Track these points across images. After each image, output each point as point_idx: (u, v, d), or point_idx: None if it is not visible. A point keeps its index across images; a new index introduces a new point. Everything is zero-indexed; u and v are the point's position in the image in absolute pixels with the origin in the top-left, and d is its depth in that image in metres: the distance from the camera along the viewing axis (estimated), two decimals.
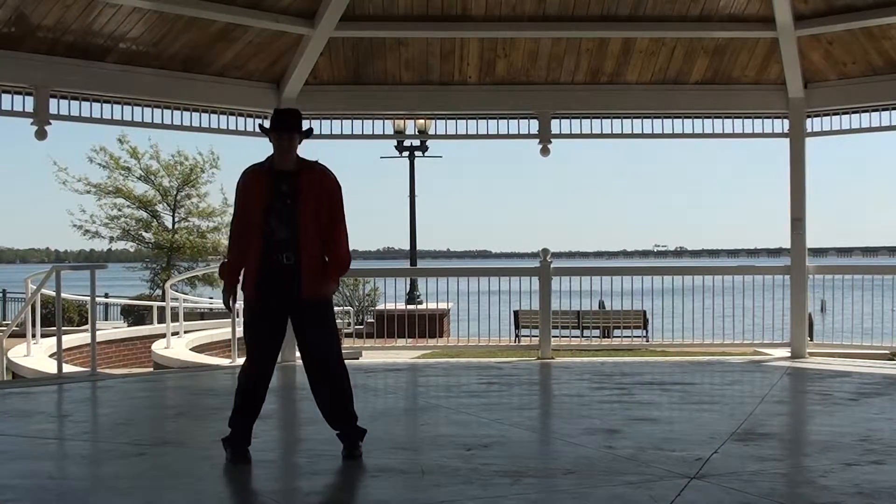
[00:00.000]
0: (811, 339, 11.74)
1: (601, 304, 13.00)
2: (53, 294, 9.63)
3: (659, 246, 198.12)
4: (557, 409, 7.65)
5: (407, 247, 25.13)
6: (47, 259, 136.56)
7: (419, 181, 25.08)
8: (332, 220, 5.23)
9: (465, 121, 10.58)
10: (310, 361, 5.27)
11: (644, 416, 6.75)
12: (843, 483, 4.66)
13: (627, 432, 6.01)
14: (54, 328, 9.35)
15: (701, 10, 9.72)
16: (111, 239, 27.71)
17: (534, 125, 10.46)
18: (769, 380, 8.74)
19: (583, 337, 14.33)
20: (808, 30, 9.66)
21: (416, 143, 23.37)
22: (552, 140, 10.44)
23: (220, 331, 14.49)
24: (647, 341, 15.72)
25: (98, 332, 10.01)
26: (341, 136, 10.51)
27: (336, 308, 5.86)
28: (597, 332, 13.66)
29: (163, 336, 13.30)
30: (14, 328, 12.99)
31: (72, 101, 9.07)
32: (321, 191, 5.21)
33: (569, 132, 10.55)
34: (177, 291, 16.14)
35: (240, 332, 11.04)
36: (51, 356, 11.41)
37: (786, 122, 10.43)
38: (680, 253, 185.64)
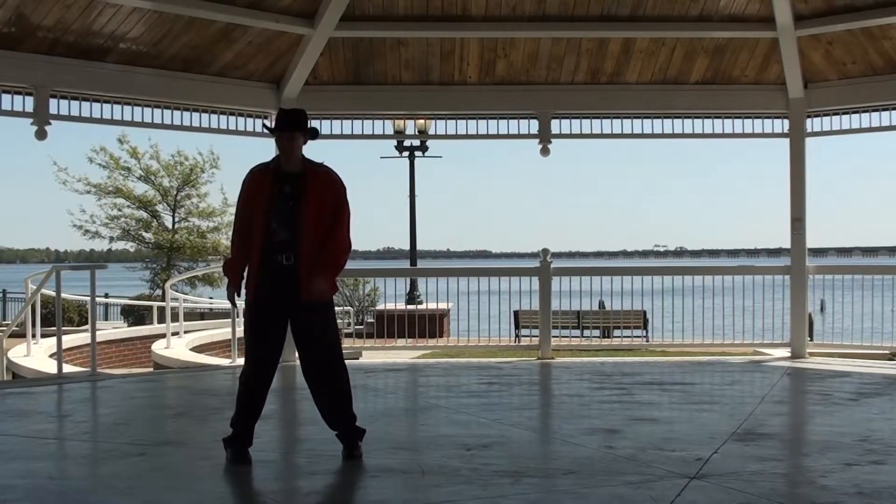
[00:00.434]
0: (811, 340, 11.74)
1: (601, 304, 12.99)
2: (53, 294, 9.63)
3: (659, 246, 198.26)
4: (557, 409, 7.65)
5: (407, 247, 25.13)
6: (47, 259, 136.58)
7: (419, 181, 25.11)
8: (334, 219, 5.20)
9: (465, 121, 10.58)
10: (309, 363, 5.26)
11: (644, 416, 6.75)
12: (843, 483, 4.66)
13: (627, 432, 6.01)
14: (54, 328, 9.35)
15: (701, 10, 9.72)
16: (111, 239, 27.73)
17: (534, 125, 10.46)
18: (769, 380, 8.74)
19: (583, 337, 14.33)
20: (808, 30, 9.67)
21: (416, 143, 23.35)
22: (552, 140, 10.45)
23: (220, 331, 14.50)
24: (647, 341, 15.72)
25: (98, 332, 10.01)
26: (341, 136, 10.51)
27: (336, 308, 5.84)
28: (597, 332, 13.66)
29: (163, 336, 13.30)
30: (14, 328, 12.99)
31: (72, 101, 9.07)
32: (324, 193, 5.18)
33: (569, 132, 10.56)
34: (177, 291, 16.14)
35: (240, 332, 11.08)
36: (51, 356, 11.42)
37: (786, 122, 10.43)
38: (680, 253, 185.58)
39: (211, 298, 23.02)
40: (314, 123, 10.12)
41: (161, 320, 15.04)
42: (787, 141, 10.40)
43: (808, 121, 10.39)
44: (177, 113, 9.74)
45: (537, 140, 10.45)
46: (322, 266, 5.14)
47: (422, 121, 15.42)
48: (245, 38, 9.47)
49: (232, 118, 10.11)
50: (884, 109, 10.06)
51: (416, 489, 4.68)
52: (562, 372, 9.42)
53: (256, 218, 5.17)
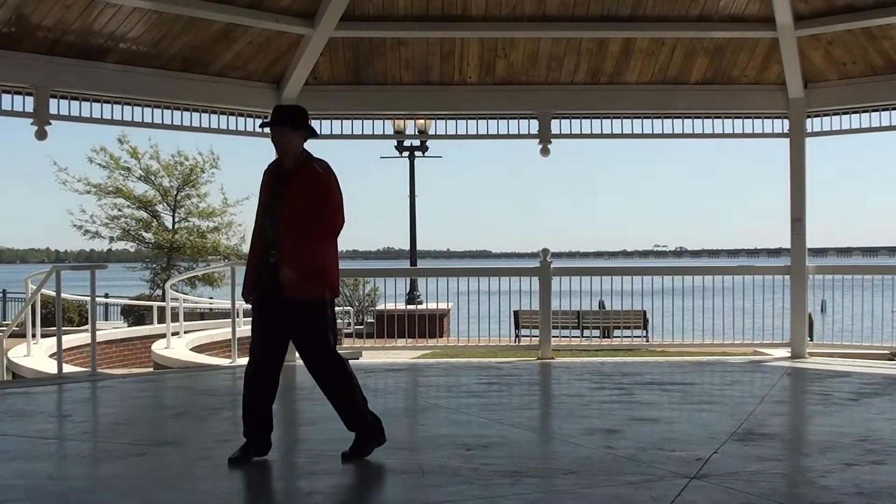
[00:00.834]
0: (811, 340, 11.74)
1: (601, 304, 13.00)
2: (53, 294, 9.63)
3: (659, 246, 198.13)
4: (557, 409, 7.65)
5: (407, 247, 25.12)
6: (47, 259, 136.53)
7: (419, 181, 25.10)
8: (317, 206, 5.09)
9: (465, 121, 10.58)
10: (307, 363, 5.26)
11: (644, 416, 6.75)
12: (843, 483, 4.66)
13: (627, 432, 6.01)
14: (54, 328, 9.35)
15: (701, 10, 9.72)
16: (111, 239, 27.74)
17: (534, 125, 10.46)
18: (769, 380, 8.74)
19: (583, 337, 14.34)
20: (808, 30, 9.67)
21: (416, 143, 23.35)
22: (552, 140, 10.45)
23: (220, 331, 14.50)
24: (647, 341, 15.73)
25: (98, 333, 10.01)
26: (341, 136, 10.52)
27: (336, 308, 5.81)
28: (597, 332, 13.66)
29: (163, 336, 13.29)
30: (14, 328, 12.98)
31: (72, 101, 9.07)
32: (306, 188, 5.12)
33: (569, 132, 10.56)
34: (177, 291, 16.14)
35: (240, 332, 11.11)
36: (51, 356, 11.42)
37: (786, 122, 10.44)
38: (680, 253, 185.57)
39: (211, 298, 23.04)
40: (314, 123, 10.12)
41: (161, 320, 15.04)
42: (787, 141, 10.40)
43: (808, 121, 10.39)
44: (177, 113, 9.74)
45: (537, 140, 10.45)
46: (294, 257, 5.03)
47: (422, 121, 15.42)
48: (245, 38, 9.47)
49: (232, 118, 10.11)
50: (884, 109, 10.06)
51: (416, 489, 4.67)
52: (562, 372, 9.42)
53: (257, 216, 5.23)
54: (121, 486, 4.81)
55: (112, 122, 9.47)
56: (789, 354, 10.37)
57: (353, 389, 5.23)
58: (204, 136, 40.91)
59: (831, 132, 10.42)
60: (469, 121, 10.56)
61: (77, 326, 19.55)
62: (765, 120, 10.56)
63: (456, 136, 10.78)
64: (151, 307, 19.11)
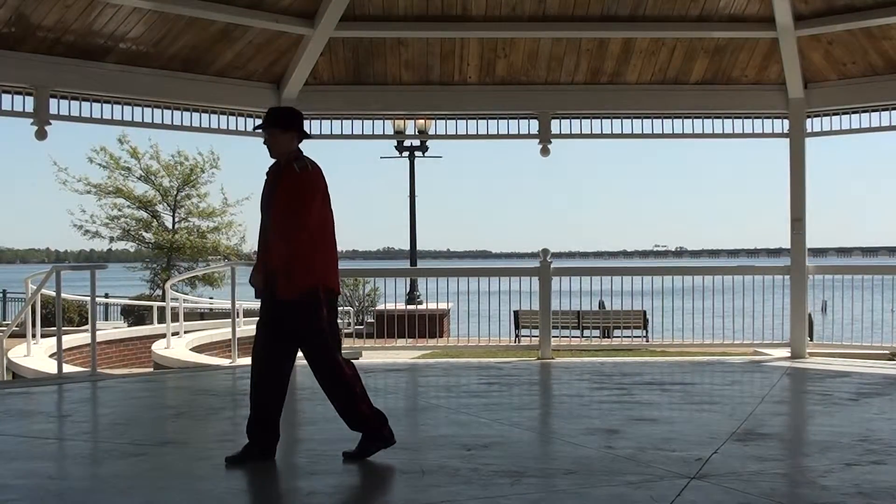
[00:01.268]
0: (811, 340, 11.74)
1: (601, 304, 12.99)
2: (53, 294, 9.63)
3: (659, 246, 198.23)
4: (557, 409, 7.65)
5: (407, 247, 25.12)
6: (47, 259, 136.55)
7: (419, 181, 25.11)
8: (290, 206, 5.04)
9: (465, 121, 10.59)
10: (309, 363, 5.26)
11: (644, 416, 6.75)
12: (843, 483, 4.66)
13: (627, 432, 6.01)
14: (54, 328, 9.35)
15: (701, 10, 9.72)
16: (111, 239, 27.74)
17: (534, 125, 10.47)
18: (769, 380, 8.74)
19: (583, 337, 14.33)
20: (808, 30, 9.67)
21: (416, 143, 23.35)
22: (552, 140, 10.45)
23: (220, 331, 14.49)
24: (647, 341, 15.73)
25: (98, 333, 10.01)
26: (341, 136, 10.52)
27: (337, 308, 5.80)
28: (597, 332, 13.66)
29: (163, 336, 13.29)
30: (14, 328, 12.98)
31: (72, 101, 9.08)
32: (287, 188, 5.09)
33: (569, 132, 10.56)
34: (177, 291, 16.13)
35: (240, 332, 11.11)
36: (51, 356, 11.41)
37: (786, 122, 10.44)
38: (680, 253, 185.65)
39: (211, 298, 23.04)
40: (314, 123, 10.16)
41: (161, 320, 15.04)
42: (787, 141, 10.40)
43: (808, 121, 10.40)
44: (177, 113, 9.74)
45: (537, 140, 10.46)
46: (278, 257, 5.03)
47: (422, 121, 15.43)
48: (245, 38, 9.47)
49: (232, 118, 10.12)
50: (884, 109, 10.07)
51: (416, 489, 4.67)
52: (562, 372, 9.42)
53: (261, 217, 5.23)
54: (121, 485, 4.81)
55: (112, 122, 9.47)
56: (789, 354, 10.37)
57: (355, 391, 5.20)
58: (204, 136, 40.99)
59: (831, 132, 10.43)
60: (469, 121, 10.56)
61: (77, 326, 19.55)
62: (765, 120, 10.56)
63: (456, 136, 10.78)
64: (151, 307, 19.12)
